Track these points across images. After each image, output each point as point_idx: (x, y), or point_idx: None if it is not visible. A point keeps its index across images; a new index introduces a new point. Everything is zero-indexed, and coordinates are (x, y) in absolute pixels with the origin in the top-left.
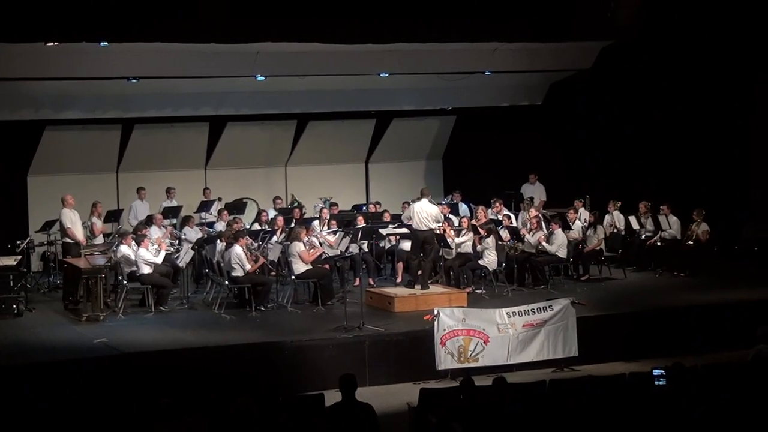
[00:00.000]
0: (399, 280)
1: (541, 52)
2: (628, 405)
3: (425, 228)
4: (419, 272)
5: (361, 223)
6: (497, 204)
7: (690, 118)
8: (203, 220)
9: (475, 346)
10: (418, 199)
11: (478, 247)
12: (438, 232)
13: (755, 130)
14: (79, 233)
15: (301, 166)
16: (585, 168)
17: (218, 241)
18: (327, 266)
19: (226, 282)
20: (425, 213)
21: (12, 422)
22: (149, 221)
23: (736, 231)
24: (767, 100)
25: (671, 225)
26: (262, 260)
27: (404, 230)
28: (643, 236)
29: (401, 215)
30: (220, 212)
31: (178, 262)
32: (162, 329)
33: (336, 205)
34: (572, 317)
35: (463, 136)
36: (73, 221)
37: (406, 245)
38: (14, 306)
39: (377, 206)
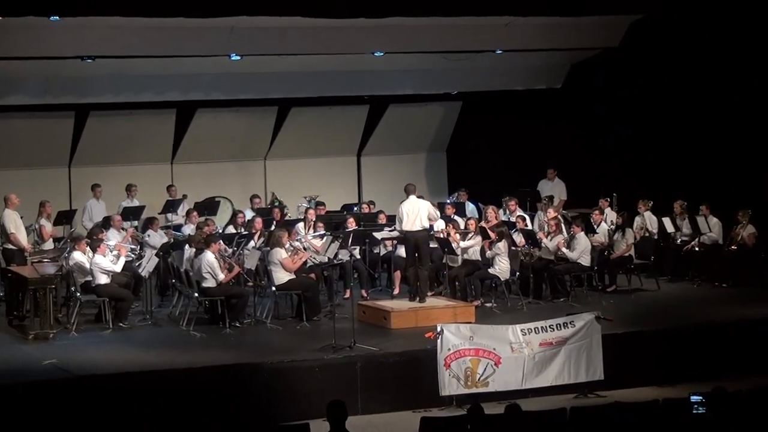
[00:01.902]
0: (396, 291)
1: (561, 27)
2: None
3: (419, 228)
4: (417, 282)
5: (352, 225)
6: (510, 203)
7: (734, 103)
8: (169, 223)
9: (485, 369)
10: (405, 199)
11: (488, 254)
12: (439, 235)
13: None
14: (24, 238)
15: (282, 160)
16: (611, 162)
17: (186, 246)
18: (313, 276)
19: (196, 294)
20: (414, 210)
21: None
22: (106, 223)
23: None
24: None
25: (711, 228)
26: (237, 269)
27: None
28: (678, 241)
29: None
30: (188, 213)
31: (140, 270)
32: (121, 349)
33: (323, 204)
34: (597, 335)
35: (470, 124)
36: (17, 224)
37: (405, 251)
38: None
39: (371, 206)
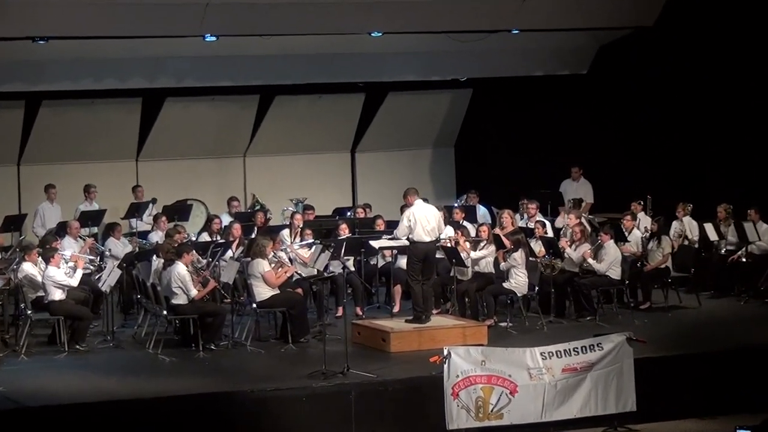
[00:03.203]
0: (396, 309)
1: (588, 3)
2: None
3: (433, 238)
4: (422, 299)
5: (345, 233)
6: (530, 207)
7: None
8: (134, 229)
9: (499, 398)
10: (407, 204)
11: (503, 265)
12: (446, 244)
13: None
14: None
15: (265, 157)
16: (645, 160)
17: (154, 257)
18: (300, 291)
19: (165, 312)
20: (432, 216)
21: None
22: (62, 230)
23: None
24: None
25: (761, 235)
26: (212, 283)
27: (403, 242)
28: (723, 250)
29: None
30: (156, 218)
31: (99, 284)
32: (78, 375)
33: (312, 208)
34: (628, 359)
35: (482, 116)
36: None
37: (407, 264)
38: None
39: (367, 210)
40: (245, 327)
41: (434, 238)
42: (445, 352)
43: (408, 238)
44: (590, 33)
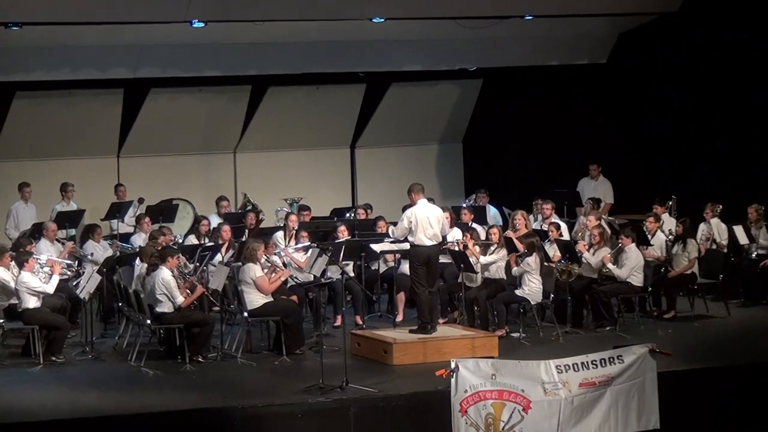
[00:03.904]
0: (399, 318)
1: None
2: None
3: (435, 242)
4: (427, 307)
5: (344, 235)
6: (545, 207)
7: None
8: (115, 231)
9: (511, 415)
10: (410, 204)
11: (515, 271)
12: (454, 247)
13: None
14: None
15: (257, 153)
16: (670, 156)
17: (137, 261)
18: (295, 298)
19: (148, 321)
20: (432, 218)
21: None
22: (37, 232)
23: None
24: None
25: None
26: (200, 289)
27: (406, 245)
28: (754, 254)
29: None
30: (139, 219)
31: (77, 291)
32: (55, 389)
33: (308, 209)
34: (651, 373)
35: (492, 108)
36: None
37: (411, 270)
38: None
39: (368, 211)
40: (235, 337)
41: (436, 243)
42: (453, 365)
43: (409, 241)
44: (610, 19)
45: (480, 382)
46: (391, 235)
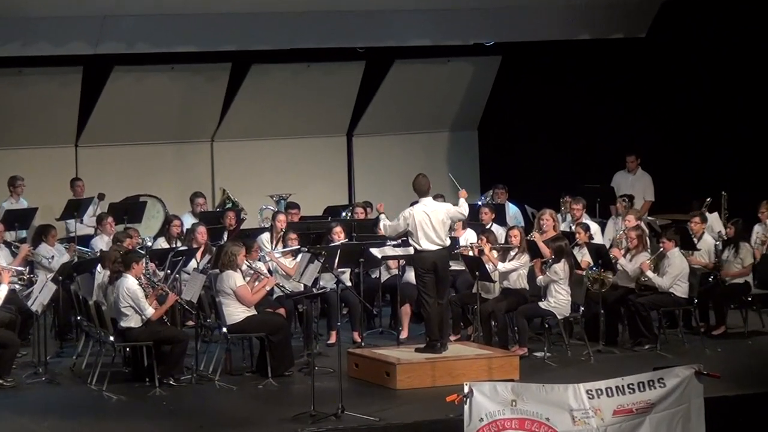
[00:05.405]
0: (404, 334)
1: None
2: None
3: (439, 245)
4: (436, 322)
5: (340, 238)
6: (575, 206)
7: None
8: (72, 233)
9: None
10: (414, 202)
11: (540, 280)
12: (467, 252)
13: None
14: None
15: (238, 141)
16: (719, 146)
17: (98, 268)
18: (282, 311)
19: (111, 338)
20: (436, 219)
21: None
22: None
23: None
24: None
25: None
26: (173, 297)
27: (412, 250)
28: None
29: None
30: (101, 219)
31: (29, 303)
32: (2, 417)
33: (297, 207)
34: (698, 398)
35: (512, 90)
36: None
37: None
38: None
39: (367, 210)
40: (213, 357)
41: (441, 245)
42: (466, 390)
43: (411, 245)
44: None
45: (498, 409)
46: (382, 231)
